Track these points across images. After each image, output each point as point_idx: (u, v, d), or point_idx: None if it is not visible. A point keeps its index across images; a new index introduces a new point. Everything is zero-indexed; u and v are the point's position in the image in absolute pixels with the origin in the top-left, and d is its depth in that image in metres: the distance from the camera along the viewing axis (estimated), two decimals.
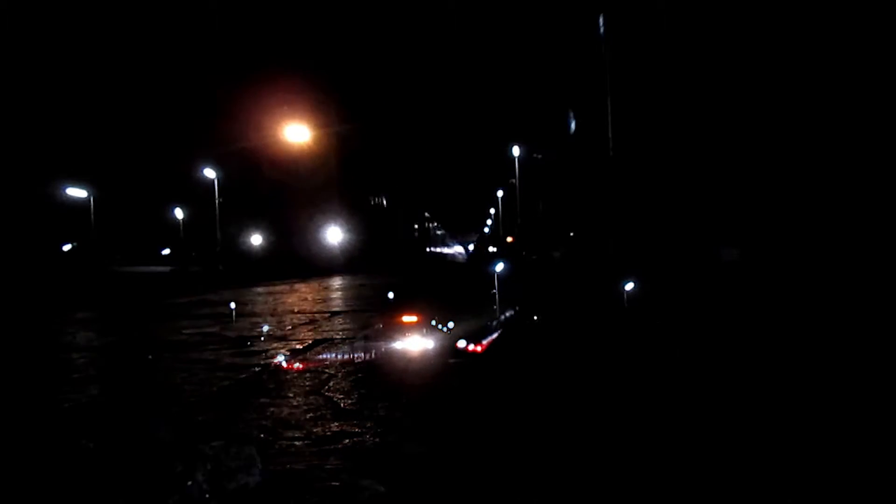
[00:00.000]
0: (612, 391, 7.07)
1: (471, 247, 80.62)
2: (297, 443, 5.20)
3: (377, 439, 5.26)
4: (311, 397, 7.34)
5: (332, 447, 5.05)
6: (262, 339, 13.06)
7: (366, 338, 13.34)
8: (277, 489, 3.90)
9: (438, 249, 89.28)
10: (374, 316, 17.53)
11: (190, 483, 3.50)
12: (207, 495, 3.46)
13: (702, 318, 12.05)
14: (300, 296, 25.29)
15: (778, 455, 4.57)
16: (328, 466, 4.55)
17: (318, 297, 24.52)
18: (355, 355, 11.20)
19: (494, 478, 4.39)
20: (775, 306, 12.00)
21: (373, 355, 11.26)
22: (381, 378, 8.72)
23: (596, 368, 8.53)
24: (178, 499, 3.40)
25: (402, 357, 10.98)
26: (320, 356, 11.00)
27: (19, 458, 4.87)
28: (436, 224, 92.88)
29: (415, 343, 12.20)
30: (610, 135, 25.89)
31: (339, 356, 10.73)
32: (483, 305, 16.19)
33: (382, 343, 12.62)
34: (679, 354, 8.89)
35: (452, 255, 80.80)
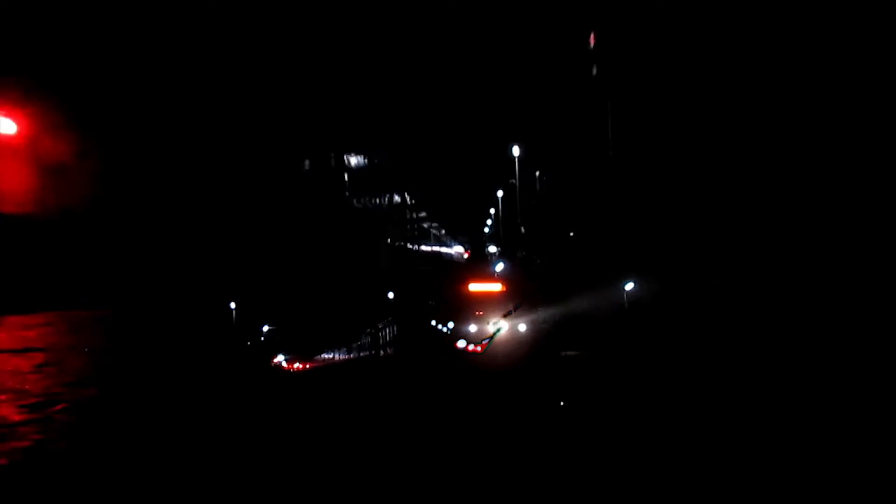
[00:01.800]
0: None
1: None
2: None
3: None
4: None
5: None
6: None
7: (401, 323, 11.67)
8: None
9: (437, 249, 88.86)
10: None
11: None
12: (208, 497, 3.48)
13: (701, 317, 12.06)
14: None
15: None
16: None
17: None
18: (378, 352, 9.97)
19: None
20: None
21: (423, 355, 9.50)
22: None
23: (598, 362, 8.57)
24: None
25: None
26: (324, 355, 10.90)
27: None
28: (436, 224, 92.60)
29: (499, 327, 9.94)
30: (610, 135, 25.87)
31: (345, 355, 10.49)
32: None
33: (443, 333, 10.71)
34: (678, 353, 8.90)
35: (450, 255, 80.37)
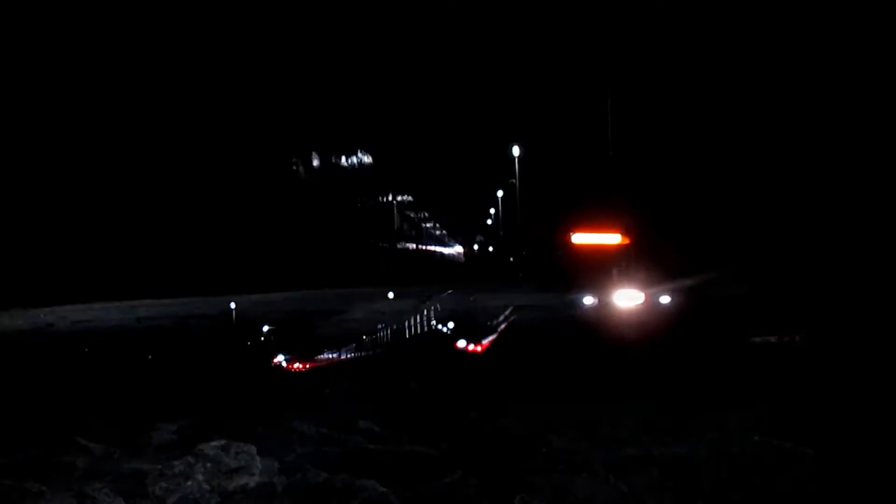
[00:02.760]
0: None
1: (474, 247, 79.97)
2: None
3: None
4: None
5: None
6: None
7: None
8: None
9: (434, 248, 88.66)
10: None
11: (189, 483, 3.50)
12: (207, 495, 3.46)
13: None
14: None
15: None
16: None
17: None
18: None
19: None
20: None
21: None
22: None
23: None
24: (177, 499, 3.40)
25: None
26: (325, 355, 10.71)
27: None
28: (436, 224, 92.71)
29: (628, 297, 5.88)
30: (610, 135, 25.82)
31: (346, 355, 10.13)
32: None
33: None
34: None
35: (443, 254, 79.91)
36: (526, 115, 43.23)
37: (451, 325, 13.03)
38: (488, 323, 13.17)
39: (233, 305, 17.72)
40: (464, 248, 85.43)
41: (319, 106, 55.64)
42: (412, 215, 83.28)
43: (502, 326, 11.33)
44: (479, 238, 78.78)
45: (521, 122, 44.30)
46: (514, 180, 43.97)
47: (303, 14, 49.68)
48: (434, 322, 13.17)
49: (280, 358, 10.79)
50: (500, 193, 59.95)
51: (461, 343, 10.49)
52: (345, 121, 60.42)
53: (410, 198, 78.65)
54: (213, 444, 4.03)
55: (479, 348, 10.55)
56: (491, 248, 63.01)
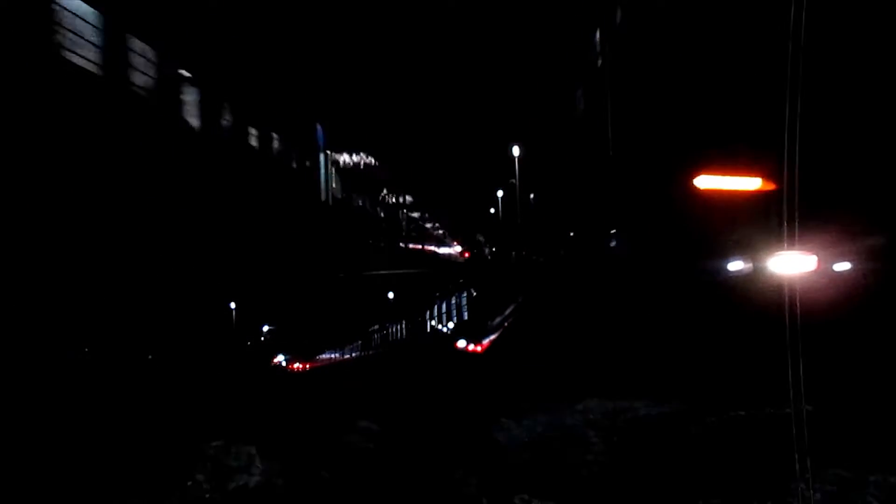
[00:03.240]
0: None
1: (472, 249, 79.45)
2: None
3: None
4: None
5: None
6: None
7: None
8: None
9: (433, 248, 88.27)
10: None
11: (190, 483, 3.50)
12: (208, 495, 3.46)
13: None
14: None
15: None
16: None
17: None
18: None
19: None
20: None
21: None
22: None
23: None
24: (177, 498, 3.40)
25: None
26: (325, 355, 10.68)
27: None
28: (436, 224, 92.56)
29: (792, 262, 4.03)
30: (610, 135, 25.84)
31: (347, 354, 10.08)
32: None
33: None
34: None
35: (447, 255, 79.55)
36: (526, 115, 43.26)
37: (450, 324, 13.03)
38: (489, 322, 13.18)
39: (233, 305, 17.75)
40: (462, 248, 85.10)
41: (318, 107, 55.59)
42: (413, 215, 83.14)
43: (505, 324, 11.27)
44: (479, 237, 78.47)
45: (521, 123, 44.33)
46: (513, 180, 43.97)
47: (302, 13, 49.65)
48: (435, 321, 13.16)
49: (280, 358, 10.76)
50: (500, 193, 59.84)
51: (461, 343, 10.48)
52: (344, 122, 60.41)
53: (411, 198, 78.61)
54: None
55: (479, 348, 10.54)
56: (493, 249, 62.52)
